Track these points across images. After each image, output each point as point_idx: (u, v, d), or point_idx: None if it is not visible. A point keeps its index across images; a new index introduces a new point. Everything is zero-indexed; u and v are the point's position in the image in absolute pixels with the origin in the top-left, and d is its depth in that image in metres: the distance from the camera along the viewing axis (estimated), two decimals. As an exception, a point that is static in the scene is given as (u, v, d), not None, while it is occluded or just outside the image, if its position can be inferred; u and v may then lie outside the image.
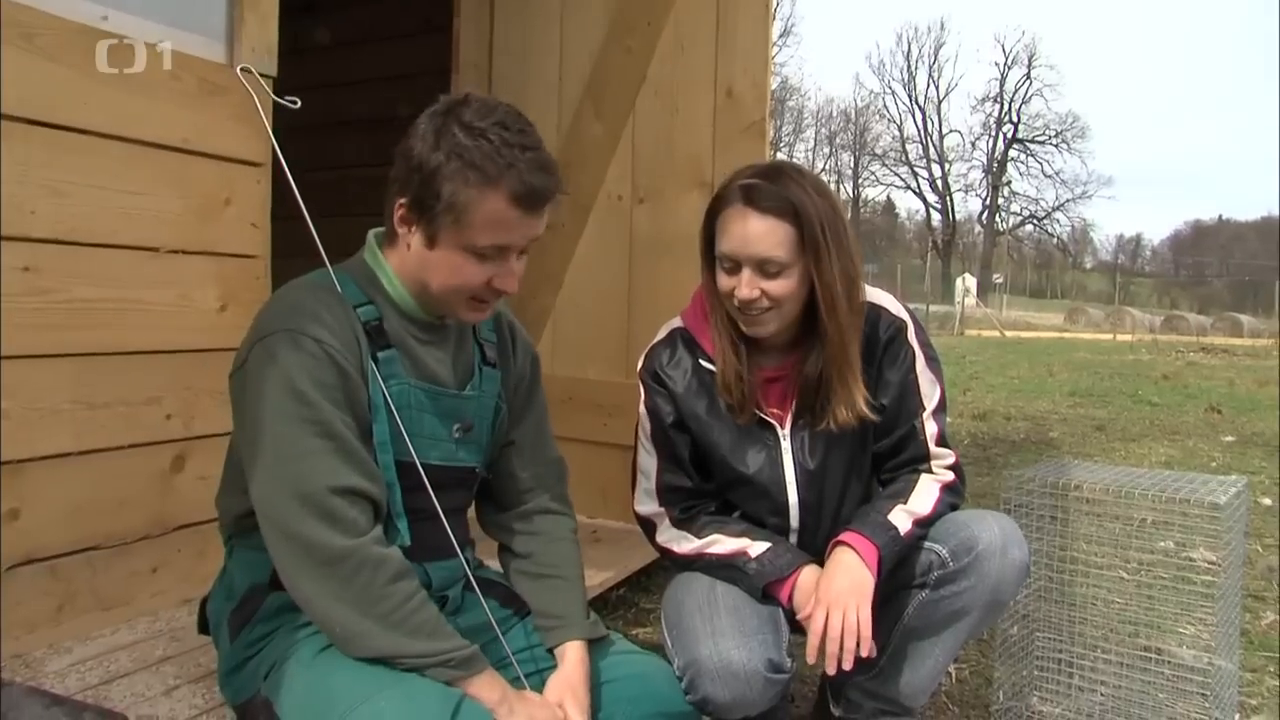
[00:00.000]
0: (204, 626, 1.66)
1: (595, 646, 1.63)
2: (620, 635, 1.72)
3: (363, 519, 1.39)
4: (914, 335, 1.88)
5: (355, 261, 1.56)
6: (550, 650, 1.60)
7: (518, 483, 1.72)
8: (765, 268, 1.73)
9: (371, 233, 1.57)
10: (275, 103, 2.33)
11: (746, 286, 1.74)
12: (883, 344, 1.86)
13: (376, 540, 1.39)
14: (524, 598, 1.67)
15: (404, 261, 1.50)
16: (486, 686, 1.40)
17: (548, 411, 1.79)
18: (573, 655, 1.57)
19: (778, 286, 1.74)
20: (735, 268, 1.76)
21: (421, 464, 1.49)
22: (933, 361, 1.89)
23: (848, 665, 1.66)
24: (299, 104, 2.11)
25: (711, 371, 1.86)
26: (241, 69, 1.72)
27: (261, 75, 2.29)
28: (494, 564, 1.77)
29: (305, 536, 1.35)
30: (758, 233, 1.72)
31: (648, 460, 1.90)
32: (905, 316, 1.89)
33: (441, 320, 1.57)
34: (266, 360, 1.39)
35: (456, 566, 1.58)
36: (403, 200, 1.45)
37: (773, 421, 1.87)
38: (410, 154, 1.43)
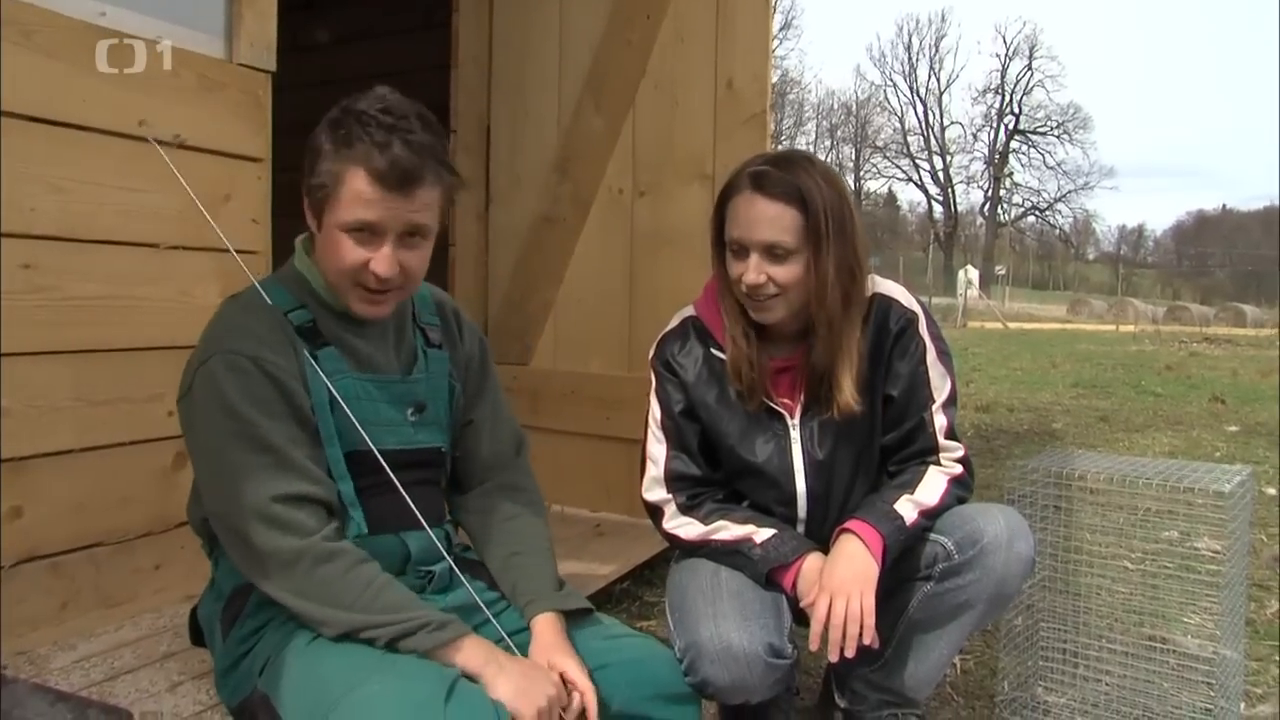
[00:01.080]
0: (196, 637, 1.69)
1: (585, 624, 1.62)
2: (615, 620, 1.72)
3: (311, 520, 1.43)
4: (925, 328, 1.88)
5: (287, 268, 1.61)
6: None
7: (477, 461, 1.75)
8: (772, 252, 1.74)
9: (299, 239, 1.61)
10: (275, 100, 2.33)
11: (754, 271, 1.75)
12: (893, 336, 1.86)
13: (326, 537, 1.43)
14: (496, 580, 1.67)
15: (321, 257, 1.54)
16: (472, 650, 1.42)
17: (500, 390, 1.82)
18: (542, 625, 1.57)
19: (784, 272, 1.74)
20: (743, 252, 1.77)
21: (380, 450, 1.53)
22: (944, 354, 1.89)
23: (850, 653, 1.66)
24: (183, 137, 2.10)
25: (723, 360, 1.86)
26: (156, 141, 1.72)
27: (260, 71, 2.29)
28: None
29: (258, 545, 1.40)
30: (765, 217, 1.73)
31: (656, 447, 1.90)
32: (916, 309, 1.89)
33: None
34: (206, 385, 1.45)
35: (434, 538, 1.59)
36: (304, 189, 1.50)
37: (782, 411, 1.87)
38: (308, 144, 1.49)
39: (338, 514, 1.49)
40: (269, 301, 1.52)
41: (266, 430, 1.43)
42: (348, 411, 1.50)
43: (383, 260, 1.46)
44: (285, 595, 1.41)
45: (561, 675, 1.47)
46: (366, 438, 1.51)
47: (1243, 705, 2.33)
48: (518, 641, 1.56)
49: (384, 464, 1.51)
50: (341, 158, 1.43)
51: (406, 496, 1.53)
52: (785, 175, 1.74)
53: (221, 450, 1.43)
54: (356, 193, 1.43)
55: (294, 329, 1.51)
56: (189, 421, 1.49)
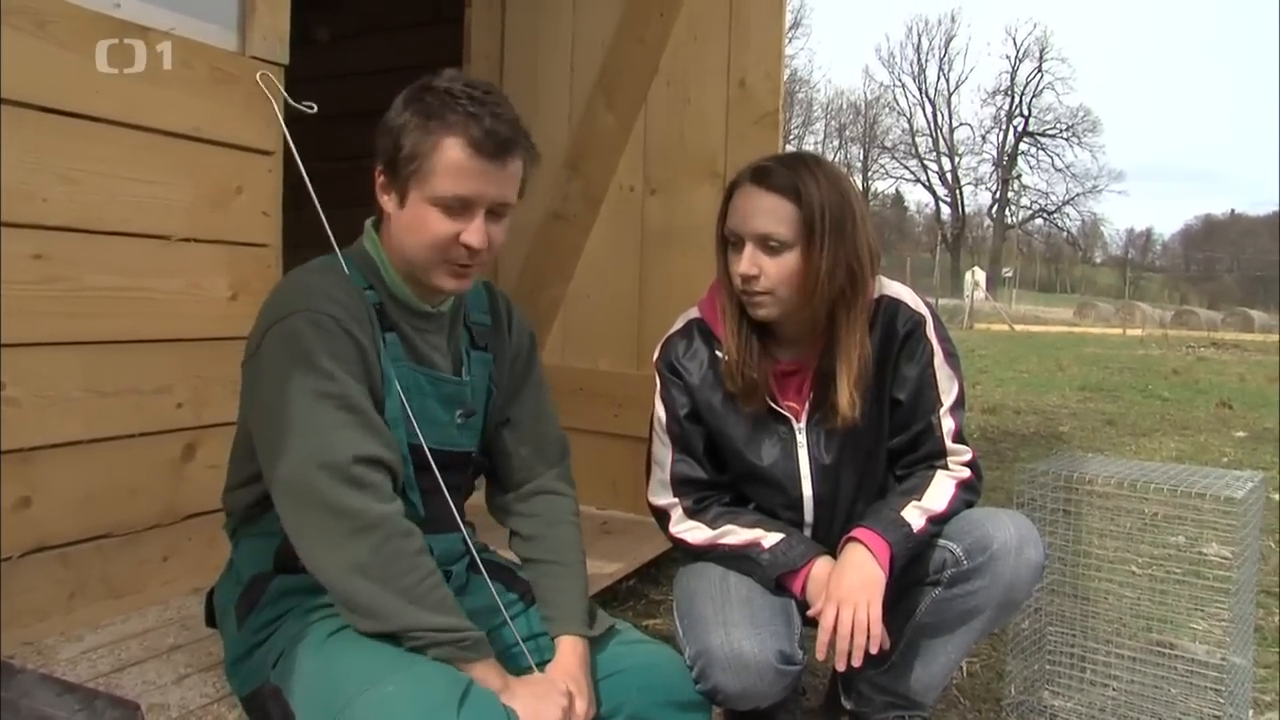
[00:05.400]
0: (211, 619, 1.67)
1: (602, 635, 1.62)
2: (629, 624, 1.72)
3: (387, 485, 1.40)
4: (933, 330, 1.87)
5: (355, 249, 1.58)
6: (553, 639, 1.60)
7: (517, 460, 1.72)
8: (766, 243, 1.74)
9: (369, 221, 1.59)
10: (286, 93, 2.33)
11: (746, 261, 1.75)
12: (900, 338, 1.85)
13: (402, 511, 1.40)
14: (527, 582, 1.67)
15: (391, 240, 1.52)
16: (487, 674, 1.40)
17: (545, 389, 1.79)
18: (567, 644, 1.57)
19: (776, 266, 1.74)
20: (740, 244, 1.77)
21: (417, 448, 1.51)
22: (951, 357, 1.88)
23: (857, 662, 1.66)
24: (315, 109, 2.11)
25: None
26: (261, 74, 1.71)
27: (273, 64, 2.29)
28: (504, 553, 1.76)
29: (337, 504, 1.34)
30: (761, 208, 1.74)
31: (662, 451, 1.89)
32: (924, 311, 1.88)
33: (435, 308, 1.58)
34: (285, 341, 1.40)
35: (457, 540, 1.59)
36: (379, 167, 1.49)
37: (788, 415, 1.86)
38: (385, 125, 1.48)
39: (399, 489, 1.45)
40: (346, 272, 1.49)
41: (349, 388, 1.39)
42: (404, 402, 1.49)
43: (475, 232, 1.45)
44: (340, 570, 1.34)
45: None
46: (418, 432, 1.49)
47: (1251, 712, 2.33)
48: (536, 646, 1.56)
49: (432, 463, 1.50)
50: (433, 130, 1.42)
51: (449, 498, 1.52)
52: (785, 171, 1.75)
53: (298, 406, 1.37)
54: (452, 164, 1.42)
55: (370, 305, 1.50)
56: (255, 381, 1.44)
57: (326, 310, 1.42)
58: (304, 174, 1.77)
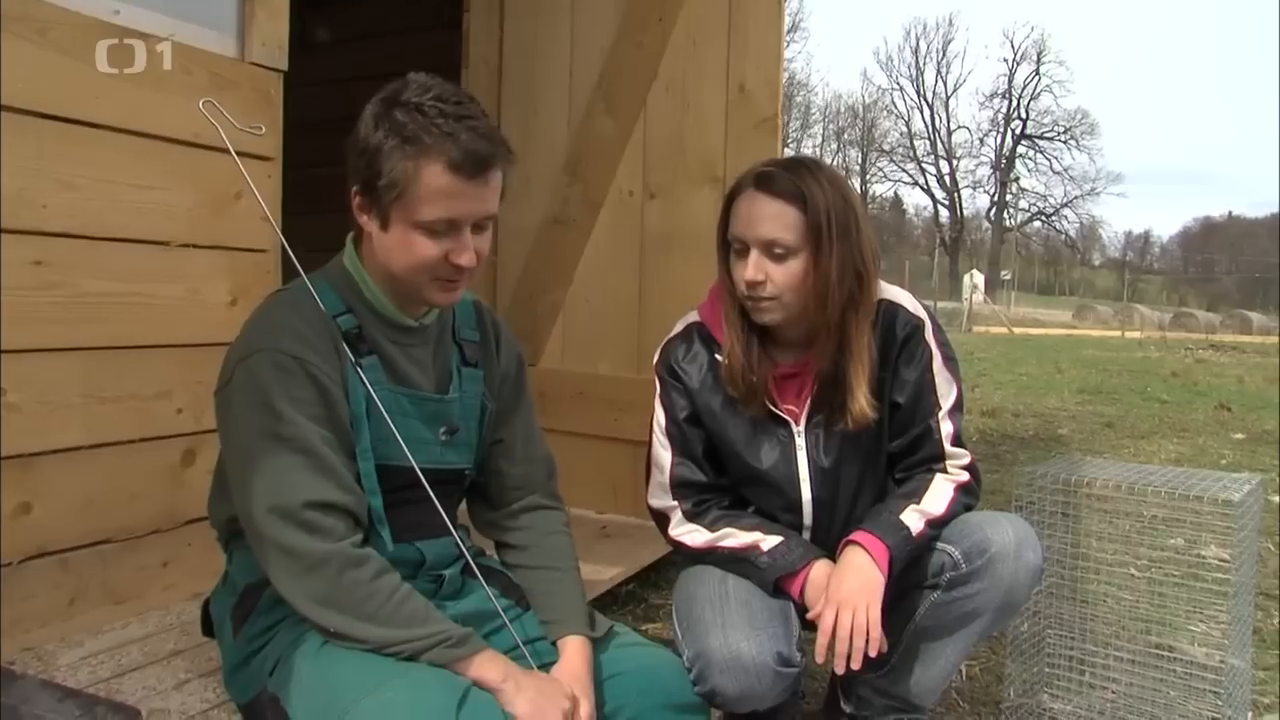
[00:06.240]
0: (208, 628, 1.68)
1: (601, 638, 1.63)
2: (628, 628, 1.72)
3: (341, 526, 1.41)
4: (931, 334, 1.87)
5: (334, 266, 1.58)
6: (553, 643, 1.60)
7: (508, 480, 1.74)
8: (771, 250, 1.75)
9: (350, 236, 1.58)
10: (285, 98, 2.34)
11: (753, 268, 1.76)
12: (899, 342, 1.86)
13: (355, 544, 1.41)
14: (522, 588, 1.67)
15: (372, 256, 1.52)
16: (489, 664, 1.41)
17: (534, 408, 1.80)
18: (573, 646, 1.57)
19: (782, 272, 1.75)
20: (744, 250, 1.78)
21: (404, 466, 1.50)
22: (950, 361, 1.89)
23: (856, 665, 1.66)
24: (263, 130, 2.11)
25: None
26: (205, 101, 1.70)
27: (272, 69, 2.30)
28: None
29: (288, 546, 1.38)
30: (766, 214, 1.75)
31: (662, 454, 1.90)
32: (923, 315, 1.89)
33: (419, 323, 1.58)
34: (248, 380, 1.42)
35: (449, 544, 1.59)
36: (355, 188, 1.47)
37: (787, 418, 1.86)
38: (356, 141, 1.45)
39: (364, 526, 1.46)
40: (319, 302, 1.48)
41: (305, 432, 1.40)
42: (390, 424, 1.48)
43: (465, 251, 1.45)
44: (308, 603, 1.38)
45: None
46: (407, 453, 1.49)
47: (1250, 715, 2.33)
48: (535, 650, 1.56)
49: (424, 481, 1.49)
50: (411, 155, 1.39)
51: (444, 514, 1.52)
52: (789, 176, 1.75)
53: (257, 447, 1.40)
54: (436, 188, 1.40)
55: (340, 334, 1.49)
56: (225, 414, 1.47)
57: (288, 350, 1.42)
58: (269, 209, 1.75)
